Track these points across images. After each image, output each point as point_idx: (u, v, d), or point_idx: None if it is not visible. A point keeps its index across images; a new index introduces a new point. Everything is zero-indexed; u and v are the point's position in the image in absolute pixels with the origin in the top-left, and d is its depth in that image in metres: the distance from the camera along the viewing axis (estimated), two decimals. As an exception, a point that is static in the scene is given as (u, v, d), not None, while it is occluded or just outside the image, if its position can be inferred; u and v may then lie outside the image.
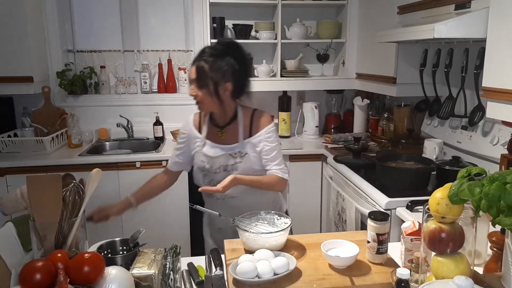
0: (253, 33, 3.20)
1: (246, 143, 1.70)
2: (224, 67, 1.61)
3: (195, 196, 1.85)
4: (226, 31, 3.14)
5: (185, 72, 3.31)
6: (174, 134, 3.15)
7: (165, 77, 3.36)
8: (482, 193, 0.93)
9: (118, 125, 3.26)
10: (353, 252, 1.22)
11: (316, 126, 3.31)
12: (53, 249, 1.08)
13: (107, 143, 3.22)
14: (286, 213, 1.89)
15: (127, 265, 1.12)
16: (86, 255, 1.00)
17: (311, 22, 3.28)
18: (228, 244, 1.39)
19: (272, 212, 1.46)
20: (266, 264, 1.15)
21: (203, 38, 3.07)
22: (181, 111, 3.18)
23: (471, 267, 1.01)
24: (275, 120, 3.37)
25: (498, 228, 1.00)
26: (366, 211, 1.65)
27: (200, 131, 1.78)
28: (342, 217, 2.33)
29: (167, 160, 2.00)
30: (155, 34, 3.36)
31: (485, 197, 0.93)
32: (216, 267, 1.22)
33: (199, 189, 1.64)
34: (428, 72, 2.42)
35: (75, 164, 2.71)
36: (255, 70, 3.25)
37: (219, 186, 1.57)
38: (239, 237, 1.36)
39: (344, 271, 1.20)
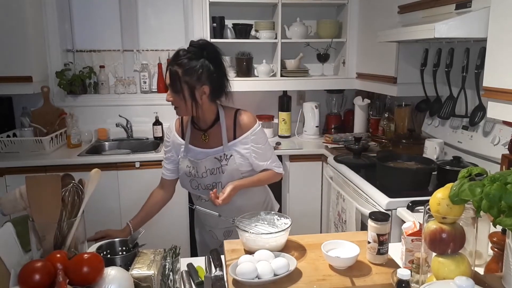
0: (253, 32, 3.19)
1: (230, 146, 1.66)
2: (199, 70, 1.56)
3: (195, 196, 1.85)
4: (226, 30, 3.14)
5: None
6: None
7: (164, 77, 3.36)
8: (483, 193, 0.93)
9: (117, 125, 3.26)
10: (353, 252, 1.22)
11: (316, 126, 3.30)
12: (52, 250, 1.08)
13: (107, 143, 3.21)
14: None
15: (127, 265, 1.12)
16: (85, 255, 0.99)
17: (311, 22, 3.28)
18: (228, 244, 1.38)
19: (272, 212, 1.45)
20: (266, 264, 1.15)
21: (203, 38, 3.06)
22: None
23: (472, 268, 1.01)
24: (275, 120, 3.37)
25: (499, 228, 1.00)
26: (367, 212, 1.65)
27: (183, 136, 1.74)
28: (342, 217, 2.32)
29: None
30: (154, 34, 3.35)
31: (486, 197, 0.92)
32: (216, 268, 1.22)
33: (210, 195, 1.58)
34: (429, 71, 2.41)
35: (74, 164, 2.71)
36: (255, 70, 3.25)
37: (220, 200, 1.54)
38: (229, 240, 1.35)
39: (344, 271, 1.19)
